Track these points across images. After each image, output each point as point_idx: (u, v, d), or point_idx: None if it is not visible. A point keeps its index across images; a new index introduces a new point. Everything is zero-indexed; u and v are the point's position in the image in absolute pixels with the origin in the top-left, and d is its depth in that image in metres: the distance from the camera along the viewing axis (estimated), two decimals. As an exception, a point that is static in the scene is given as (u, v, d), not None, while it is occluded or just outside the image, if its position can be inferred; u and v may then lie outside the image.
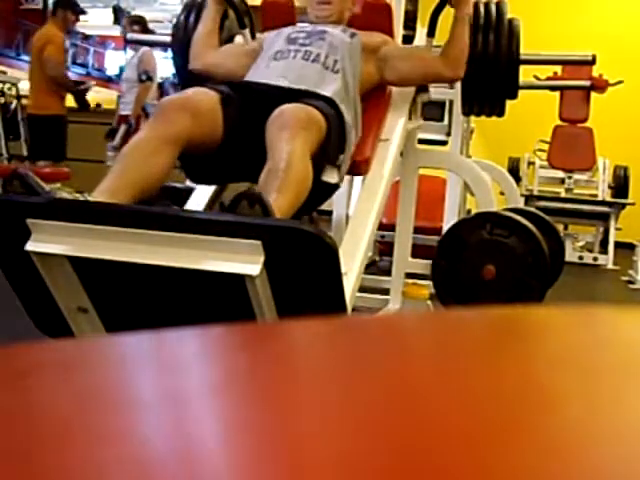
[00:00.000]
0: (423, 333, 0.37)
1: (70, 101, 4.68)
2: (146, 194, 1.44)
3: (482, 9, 2.29)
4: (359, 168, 1.88)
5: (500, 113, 2.39)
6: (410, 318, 0.46)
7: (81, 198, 1.31)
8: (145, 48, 4.48)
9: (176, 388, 0.26)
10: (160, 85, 5.24)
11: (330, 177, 1.66)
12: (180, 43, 2.26)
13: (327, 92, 1.76)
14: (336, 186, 1.70)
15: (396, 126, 2.04)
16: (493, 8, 2.29)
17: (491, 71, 2.21)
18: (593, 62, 2.52)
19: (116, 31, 14.93)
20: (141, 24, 4.53)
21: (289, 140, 1.46)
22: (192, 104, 1.57)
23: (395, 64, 1.96)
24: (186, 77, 2.28)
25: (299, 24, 2.16)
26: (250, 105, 1.70)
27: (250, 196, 1.24)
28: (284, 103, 1.57)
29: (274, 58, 1.89)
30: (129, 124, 4.46)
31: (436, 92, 2.41)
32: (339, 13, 2.05)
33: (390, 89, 2.07)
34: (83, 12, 4.78)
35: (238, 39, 2.19)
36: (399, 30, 2.66)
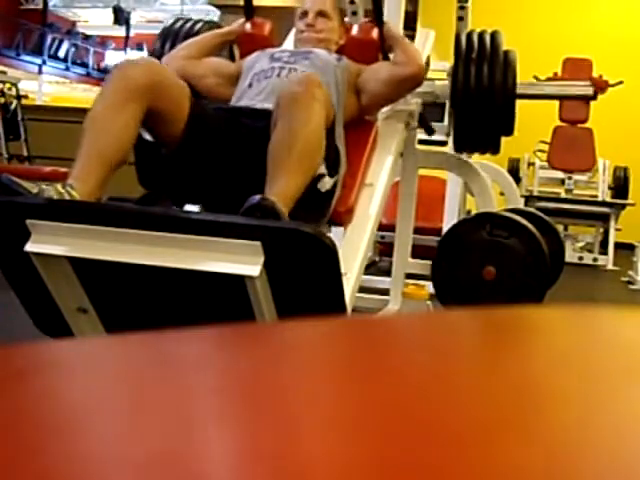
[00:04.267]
0: (423, 333, 0.37)
1: (70, 101, 4.68)
2: (120, 162, 1.42)
3: (476, 39, 2.18)
4: (341, 218, 1.71)
5: (495, 150, 2.26)
6: (410, 318, 0.46)
7: (66, 195, 1.31)
8: None
9: (176, 388, 0.26)
10: None
11: (323, 187, 1.59)
12: None
13: None
14: (331, 194, 1.63)
15: (383, 168, 1.86)
16: (487, 39, 2.18)
17: (485, 106, 2.09)
18: (594, 97, 2.38)
19: (116, 31, 14.97)
20: None
21: (306, 107, 1.44)
22: (156, 67, 1.53)
23: (368, 86, 1.89)
24: None
25: (284, 45, 2.15)
26: (225, 118, 1.66)
27: (264, 208, 1.25)
28: (265, 124, 1.54)
29: (257, 78, 1.82)
30: None
31: (438, 91, 2.40)
32: (325, 39, 1.99)
33: (376, 125, 1.95)
34: None
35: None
36: (399, 32, 2.66)
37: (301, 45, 2.00)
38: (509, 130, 2.14)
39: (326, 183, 1.59)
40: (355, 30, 2.09)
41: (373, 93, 1.89)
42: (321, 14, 2.00)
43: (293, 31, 2.17)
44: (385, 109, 2.02)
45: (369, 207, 1.75)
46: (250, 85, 1.82)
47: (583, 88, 2.59)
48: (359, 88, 1.89)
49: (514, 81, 2.09)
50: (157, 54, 2.18)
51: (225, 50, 2.14)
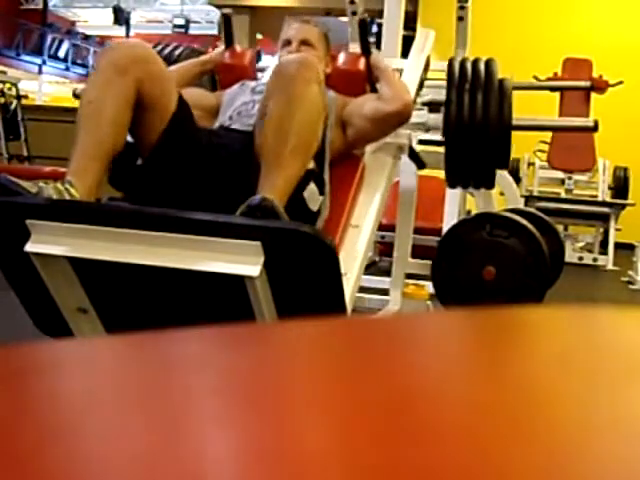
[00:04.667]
0: (423, 333, 0.37)
1: (70, 101, 4.69)
2: (116, 152, 1.41)
3: (469, 68, 2.06)
4: None
5: (489, 185, 2.16)
6: (410, 318, 0.46)
7: (65, 194, 1.30)
8: None
9: (176, 388, 0.26)
10: None
11: (313, 204, 1.53)
12: None
13: None
14: (318, 212, 1.57)
15: (370, 208, 1.75)
16: (482, 67, 2.06)
17: (479, 139, 1.97)
18: (595, 129, 2.19)
19: (116, 31, 14.98)
20: None
21: (301, 90, 1.41)
22: (142, 50, 1.49)
23: (353, 120, 1.79)
24: None
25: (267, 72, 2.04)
26: (212, 135, 1.62)
27: (264, 208, 1.25)
28: (243, 147, 1.51)
29: (238, 111, 1.75)
30: None
31: (436, 92, 2.39)
32: None
33: (363, 161, 1.84)
34: None
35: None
36: (399, 32, 2.66)
37: None
38: (504, 163, 2.04)
39: (314, 199, 1.53)
40: (341, 60, 1.99)
41: (358, 129, 1.79)
42: (305, 43, 1.91)
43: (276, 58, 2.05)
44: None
45: (355, 249, 1.65)
46: (231, 118, 1.75)
47: (584, 122, 2.48)
48: (345, 121, 1.80)
49: (510, 112, 1.98)
50: None
51: (206, 78, 2.06)
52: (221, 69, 2.03)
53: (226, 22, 2.12)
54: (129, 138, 1.51)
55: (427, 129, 2.21)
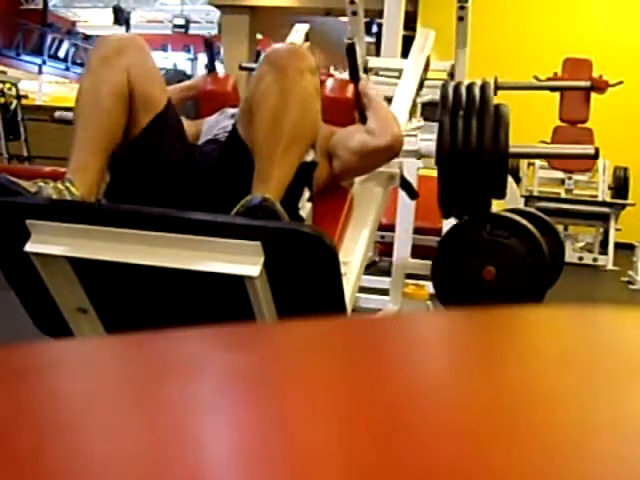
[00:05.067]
0: (423, 333, 0.37)
1: (70, 101, 4.69)
2: (116, 145, 1.40)
3: (464, 93, 1.98)
4: None
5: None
6: (410, 318, 0.46)
7: (65, 192, 1.30)
8: None
9: (176, 389, 0.26)
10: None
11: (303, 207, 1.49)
12: None
13: None
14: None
15: (358, 243, 1.65)
16: (477, 92, 1.98)
17: (474, 168, 1.89)
18: (596, 157, 2.10)
19: (116, 31, 14.98)
20: None
21: (294, 80, 1.38)
22: (131, 39, 1.49)
23: (339, 152, 1.68)
24: None
25: None
26: (184, 147, 1.56)
27: (265, 209, 1.24)
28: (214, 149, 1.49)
29: (215, 135, 1.64)
30: None
31: (436, 93, 2.39)
32: None
33: (350, 193, 1.74)
34: None
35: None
36: (399, 32, 2.66)
37: None
38: (500, 193, 1.97)
39: (305, 206, 1.51)
40: (329, 87, 1.89)
41: (344, 161, 1.67)
42: None
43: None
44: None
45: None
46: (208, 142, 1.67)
47: (584, 149, 2.38)
48: (331, 152, 1.69)
49: (506, 139, 1.89)
50: None
51: (190, 103, 1.96)
52: (202, 96, 1.93)
53: (207, 46, 2.03)
54: None
55: (419, 157, 2.12)
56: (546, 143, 6.20)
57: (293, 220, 1.42)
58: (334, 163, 1.68)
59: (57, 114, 2.58)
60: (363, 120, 1.78)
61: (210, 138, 1.60)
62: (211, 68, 1.99)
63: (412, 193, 2.15)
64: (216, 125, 1.68)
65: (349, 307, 1.45)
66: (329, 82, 1.91)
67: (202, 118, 1.81)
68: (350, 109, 1.83)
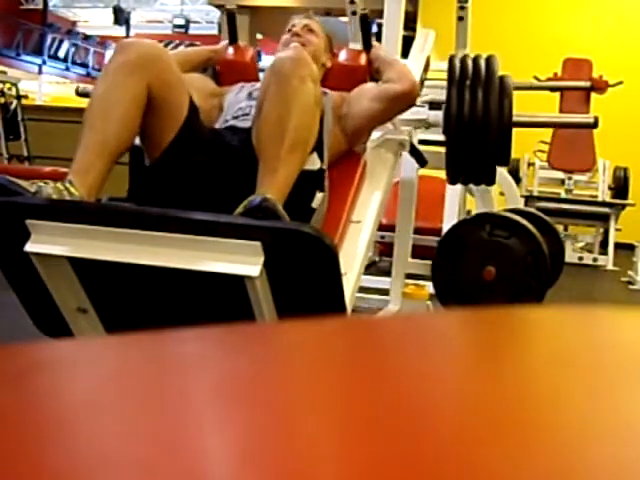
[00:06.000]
0: (423, 333, 0.37)
1: (70, 101, 4.69)
2: (121, 151, 1.40)
3: (470, 65, 2.07)
4: None
5: (490, 181, 2.17)
6: (410, 319, 0.46)
7: (65, 192, 1.30)
8: None
9: (176, 389, 0.26)
10: None
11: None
12: None
13: None
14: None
15: (371, 203, 1.75)
16: (482, 64, 2.07)
17: (480, 136, 1.98)
18: (595, 125, 2.20)
19: (116, 31, 14.98)
20: None
21: (296, 87, 1.41)
22: (156, 50, 1.48)
23: (354, 110, 1.78)
24: None
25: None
26: (215, 134, 1.62)
27: (265, 209, 1.25)
28: (241, 140, 1.51)
29: (234, 117, 1.74)
30: None
31: (436, 93, 2.39)
32: (311, 58, 1.86)
33: (363, 158, 1.82)
34: None
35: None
36: (399, 32, 2.66)
37: None
38: (505, 160, 2.05)
39: (317, 199, 1.54)
40: (343, 56, 2.00)
41: (361, 114, 1.77)
42: (308, 29, 1.96)
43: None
44: (374, 136, 1.90)
45: (357, 245, 1.65)
46: (226, 122, 1.75)
47: (584, 118, 2.48)
48: (344, 115, 1.78)
49: (510, 109, 1.99)
50: None
51: (209, 69, 2.06)
52: (223, 64, 2.05)
53: (230, 19, 2.16)
54: (137, 141, 1.49)
55: (428, 126, 2.22)
56: (546, 143, 6.22)
57: (300, 209, 1.47)
58: (350, 123, 1.77)
59: (81, 88, 2.68)
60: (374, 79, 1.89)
61: (230, 124, 1.69)
62: (233, 40, 2.10)
63: (421, 160, 2.25)
64: (235, 104, 1.77)
65: (349, 307, 1.45)
66: (343, 52, 2.03)
67: (222, 86, 1.93)
68: (363, 76, 1.93)
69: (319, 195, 1.55)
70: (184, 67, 1.86)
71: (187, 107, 1.52)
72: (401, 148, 1.98)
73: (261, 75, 2.11)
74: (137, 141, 1.50)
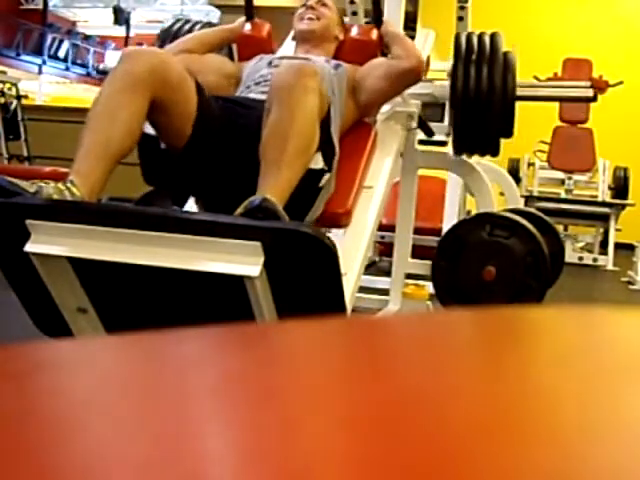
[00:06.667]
0: (423, 334, 0.37)
1: (70, 101, 4.69)
2: (122, 156, 1.40)
3: (475, 41, 2.19)
4: (339, 220, 1.68)
5: (494, 153, 2.28)
6: (410, 319, 0.46)
7: (66, 192, 1.30)
8: None
9: (175, 389, 0.26)
10: None
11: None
12: None
13: None
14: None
15: (382, 170, 1.85)
16: (487, 40, 2.19)
17: (484, 108, 2.10)
18: (594, 99, 2.37)
19: (116, 31, 14.97)
20: None
21: (299, 98, 1.44)
22: (163, 56, 1.51)
23: (365, 84, 1.89)
24: None
25: (283, 46, 2.16)
26: (231, 111, 1.65)
27: (265, 209, 1.25)
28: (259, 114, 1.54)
29: (255, 83, 1.83)
30: None
31: (436, 93, 2.40)
32: (324, 31, 2.02)
33: (375, 128, 1.92)
34: None
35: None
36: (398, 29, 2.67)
37: (301, 35, 2.03)
38: (508, 132, 2.14)
39: (324, 180, 1.60)
40: (354, 31, 2.10)
41: (371, 89, 1.88)
42: (322, 3, 2.05)
43: (291, 34, 2.19)
44: (384, 109, 2.01)
45: (368, 209, 1.72)
46: (248, 88, 1.84)
47: (583, 90, 2.54)
48: (356, 87, 1.89)
49: (513, 83, 2.09)
50: None
51: (225, 48, 2.15)
52: (241, 40, 2.12)
53: None
54: (151, 131, 1.52)
55: (435, 98, 2.35)
56: (546, 143, 6.22)
57: (303, 214, 1.52)
58: (361, 96, 1.88)
59: (102, 66, 2.78)
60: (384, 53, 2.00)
61: (249, 94, 1.77)
62: (250, 15, 2.17)
63: (429, 131, 2.40)
64: (254, 72, 1.87)
65: (349, 307, 1.45)
66: (355, 27, 2.13)
67: (240, 62, 2.02)
68: (374, 50, 2.02)
69: (326, 175, 1.61)
70: (201, 49, 1.97)
71: (196, 100, 1.54)
72: (409, 120, 2.10)
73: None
74: (149, 130, 1.52)
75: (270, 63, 1.89)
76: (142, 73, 1.42)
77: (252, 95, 1.78)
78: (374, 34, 2.04)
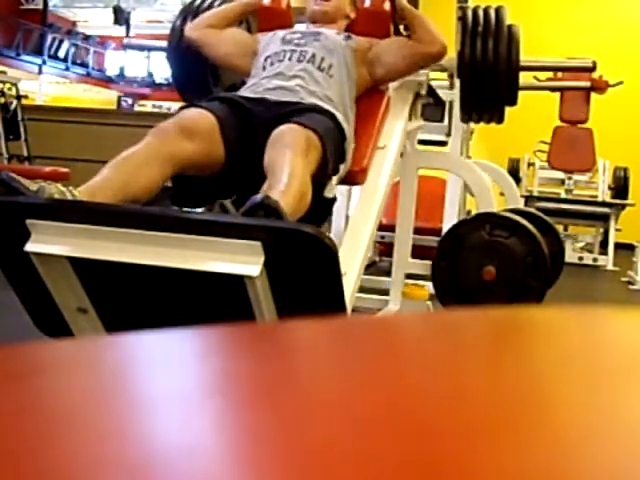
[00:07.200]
0: (423, 333, 0.37)
1: (70, 101, 4.69)
2: (134, 198, 1.44)
3: (481, 14, 2.29)
4: (356, 178, 1.86)
5: (499, 120, 2.40)
6: (410, 318, 0.46)
7: (68, 194, 1.30)
8: None
9: (175, 389, 0.26)
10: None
11: (330, 192, 1.71)
12: (176, 48, 2.26)
13: (324, 100, 1.81)
14: (335, 200, 1.76)
15: (394, 131, 2.01)
16: (492, 13, 2.30)
17: (490, 78, 2.20)
18: (593, 69, 2.52)
19: (116, 31, 14.96)
20: None
21: (290, 160, 1.49)
22: (189, 128, 1.59)
23: (383, 59, 1.98)
24: (182, 82, 2.30)
25: (296, 25, 2.18)
26: (248, 126, 1.72)
27: (267, 207, 1.25)
28: (283, 119, 1.61)
29: (270, 61, 1.92)
30: None
31: (445, 64, 2.42)
32: (336, 11, 2.08)
33: (387, 94, 2.07)
34: None
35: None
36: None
37: (313, 16, 2.09)
38: (513, 100, 2.26)
39: (329, 191, 1.70)
40: (367, 2, 2.16)
41: (391, 68, 1.98)
42: None
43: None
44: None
45: (382, 168, 1.88)
46: (264, 68, 1.92)
47: (583, 63, 2.68)
48: (374, 61, 1.98)
49: (517, 54, 2.21)
50: (177, 31, 2.26)
51: (244, 22, 2.21)
52: (260, 12, 2.18)
53: None
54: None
55: (443, 69, 2.49)
56: (546, 143, 6.21)
57: (319, 201, 1.61)
58: (378, 69, 1.99)
59: (126, 41, 2.93)
60: (397, 32, 2.12)
61: (265, 95, 1.83)
62: None
63: (438, 99, 2.59)
64: (267, 46, 1.97)
65: (349, 307, 1.45)
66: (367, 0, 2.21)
67: (260, 32, 2.11)
68: (386, 21, 2.11)
69: (341, 167, 1.75)
70: (222, 23, 2.06)
71: (220, 139, 1.65)
72: (420, 88, 2.24)
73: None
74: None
75: (283, 39, 1.96)
76: (172, 150, 1.52)
77: (266, 74, 1.88)
78: (387, 4, 2.11)
